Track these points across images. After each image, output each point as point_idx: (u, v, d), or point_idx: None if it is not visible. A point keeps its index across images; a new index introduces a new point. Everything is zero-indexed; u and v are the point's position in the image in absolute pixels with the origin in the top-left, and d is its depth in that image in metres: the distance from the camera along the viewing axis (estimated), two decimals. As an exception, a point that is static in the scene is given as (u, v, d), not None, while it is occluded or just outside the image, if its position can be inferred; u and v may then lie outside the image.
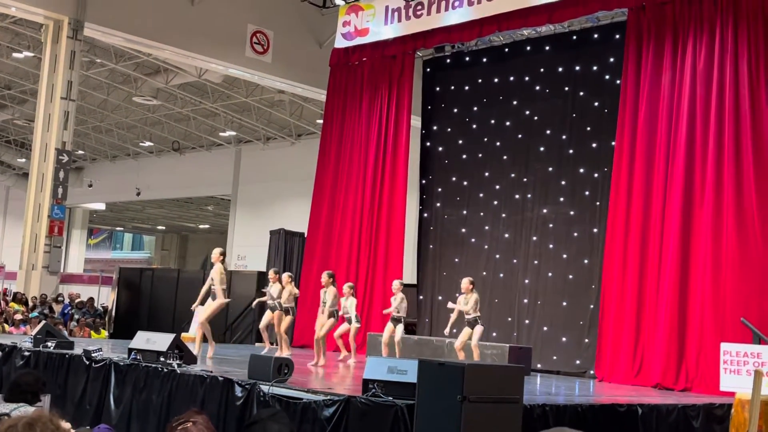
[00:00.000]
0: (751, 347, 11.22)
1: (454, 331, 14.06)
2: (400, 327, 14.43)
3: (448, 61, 19.35)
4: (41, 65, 20.65)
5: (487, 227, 17.96)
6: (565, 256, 16.58)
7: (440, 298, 18.42)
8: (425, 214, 19.24)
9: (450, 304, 14.04)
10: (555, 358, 16.17)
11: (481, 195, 18.18)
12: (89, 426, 8.16)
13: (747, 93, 13.14)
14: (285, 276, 14.64)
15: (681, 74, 13.97)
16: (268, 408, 8.06)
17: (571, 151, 16.82)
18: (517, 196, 17.51)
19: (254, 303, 14.98)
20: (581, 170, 16.61)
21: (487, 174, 18.14)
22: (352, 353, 14.57)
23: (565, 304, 16.38)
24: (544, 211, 17.08)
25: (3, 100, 31.12)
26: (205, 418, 3.85)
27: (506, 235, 17.58)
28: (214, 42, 21.08)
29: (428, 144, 19.47)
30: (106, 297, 27.35)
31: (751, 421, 7.64)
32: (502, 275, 17.31)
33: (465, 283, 13.67)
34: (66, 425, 6.79)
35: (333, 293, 13.76)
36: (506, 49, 18.20)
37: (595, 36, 16.89)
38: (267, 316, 14.52)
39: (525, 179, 17.44)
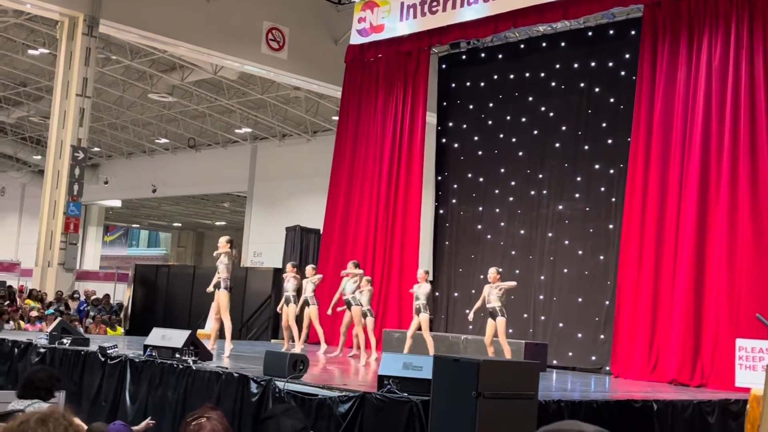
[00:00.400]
0: (767, 343, 11.18)
1: (470, 319, 14.02)
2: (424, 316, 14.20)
3: (464, 57, 19.33)
4: (56, 62, 20.70)
5: (502, 224, 17.94)
6: (580, 252, 16.55)
7: (456, 294, 18.42)
8: (441, 211, 19.22)
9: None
10: (570, 354, 16.14)
11: (497, 191, 18.16)
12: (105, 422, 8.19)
13: (762, 89, 13.08)
14: (309, 268, 14.91)
15: (696, 70, 13.90)
16: (282, 404, 8.06)
17: (586, 147, 16.78)
18: (532, 193, 17.48)
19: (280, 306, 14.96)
20: (596, 166, 16.56)
21: (502, 170, 18.11)
22: (372, 348, 14.51)
23: (580, 300, 16.35)
24: (560, 207, 17.04)
25: (19, 97, 31.26)
26: (220, 413, 3.86)
27: (522, 232, 17.56)
28: (230, 38, 21.10)
29: (444, 140, 19.45)
30: (121, 294, 27.45)
31: (763, 416, 7.59)
32: (517, 271, 17.28)
33: (492, 272, 13.58)
34: (80, 423, 6.82)
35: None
36: (522, 46, 18.16)
37: (611, 32, 16.84)
38: (291, 310, 14.54)
39: (540, 175, 17.41)
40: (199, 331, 16.73)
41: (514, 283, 13.64)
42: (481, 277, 17.76)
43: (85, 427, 2.61)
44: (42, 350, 12.32)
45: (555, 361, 15.76)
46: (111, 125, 33.61)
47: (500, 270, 13.82)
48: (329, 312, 14.52)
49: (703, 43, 13.91)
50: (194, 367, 10.12)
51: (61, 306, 20.22)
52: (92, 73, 20.18)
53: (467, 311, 17.50)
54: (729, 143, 13.26)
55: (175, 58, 24.67)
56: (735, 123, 13.28)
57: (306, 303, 14.64)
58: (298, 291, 14.59)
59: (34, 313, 19.49)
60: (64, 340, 12.23)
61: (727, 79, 13.50)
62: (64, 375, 10.86)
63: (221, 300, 13.15)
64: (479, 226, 18.39)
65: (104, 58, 24.86)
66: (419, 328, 14.14)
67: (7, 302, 20.70)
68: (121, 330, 21.71)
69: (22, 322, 19.09)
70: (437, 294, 18.67)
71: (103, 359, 11.30)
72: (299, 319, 14.71)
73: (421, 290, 14.16)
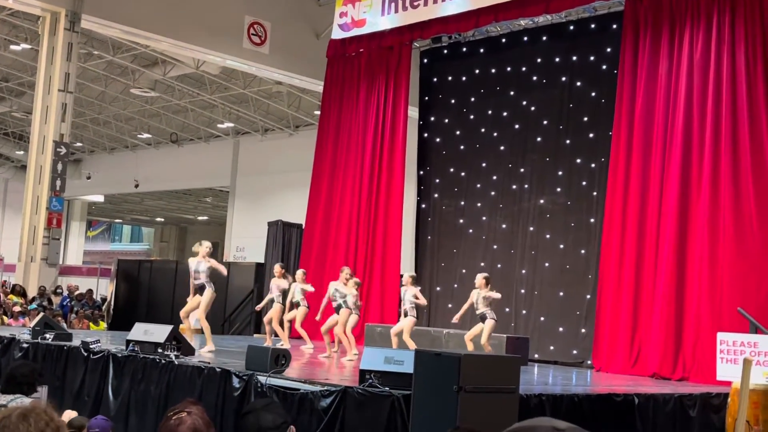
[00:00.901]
0: (748, 337, 11.26)
1: (456, 322, 14.05)
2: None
3: (445, 51, 19.36)
4: (38, 57, 20.61)
5: (484, 218, 18.00)
6: (561, 246, 16.62)
7: (438, 288, 18.47)
8: (423, 205, 19.26)
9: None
10: (552, 348, 16.22)
11: (479, 186, 18.21)
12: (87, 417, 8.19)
13: (744, 83, 13.14)
14: (300, 273, 14.86)
15: (678, 64, 13.97)
16: (263, 398, 8.08)
17: (567, 142, 16.85)
18: (514, 187, 17.54)
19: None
20: (578, 160, 16.64)
21: (484, 164, 18.16)
22: (352, 344, 14.51)
23: (561, 294, 16.43)
24: (541, 201, 17.11)
25: (1, 93, 31.09)
26: (201, 408, 3.88)
27: (503, 226, 17.62)
28: (212, 33, 21.04)
29: (425, 135, 19.48)
30: (104, 289, 27.37)
31: (740, 408, 7.68)
32: (499, 266, 17.35)
33: (479, 279, 13.63)
34: (72, 414, 6.83)
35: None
36: (503, 40, 18.21)
37: (592, 26, 16.90)
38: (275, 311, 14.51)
39: (522, 170, 17.46)
40: (182, 326, 16.68)
41: (498, 296, 13.68)
42: (464, 271, 17.86)
43: (66, 422, 2.63)
44: (25, 345, 12.29)
45: (536, 355, 15.83)
46: (93, 120, 33.47)
47: (487, 276, 13.85)
48: (318, 317, 14.36)
49: (685, 37, 13.97)
50: (176, 362, 10.12)
51: (44, 301, 20.16)
52: (74, 69, 20.10)
53: (449, 305, 17.62)
54: (710, 137, 13.33)
55: (157, 53, 24.58)
56: (716, 117, 13.34)
57: (296, 305, 14.58)
58: (284, 292, 14.53)
59: (17, 309, 19.43)
60: (47, 336, 12.21)
61: (708, 73, 13.56)
62: (47, 370, 10.85)
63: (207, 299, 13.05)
64: (461, 221, 18.44)
65: (86, 53, 24.74)
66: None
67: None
68: (104, 325, 21.66)
69: (5, 318, 19.03)
70: (419, 289, 18.69)
71: (85, 354, 11.29)
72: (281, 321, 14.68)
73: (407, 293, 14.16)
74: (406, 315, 13.99)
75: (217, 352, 12.40)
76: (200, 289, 12.99)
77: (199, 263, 13.03)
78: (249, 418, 3.57)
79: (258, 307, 14.92)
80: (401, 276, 15.07)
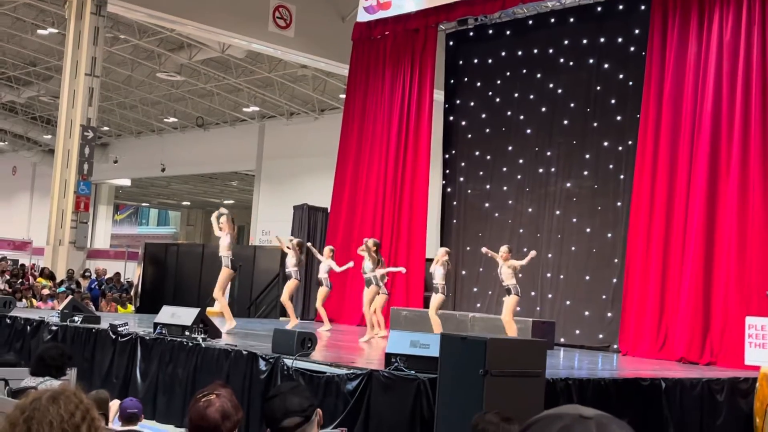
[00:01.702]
0: (777, 321, 11.18)
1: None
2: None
3: (471, 34, 19.23)
4: (65, 42, 20.69)
5: (510, 201, 17.92)
6: (588, 229, 16.53)
7: (464, 272, 18.43)
8: (448, 189, 19.21)
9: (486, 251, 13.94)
10: (578, 332, 16.16)
11: (505, 169, 18.13)
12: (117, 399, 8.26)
13: (774, 65, 12.99)
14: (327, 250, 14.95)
15: (707, 46, 13.81)
16: (289, 381, 8.12)
17: (595, 124, 16.72)
18: (540, 170, 17.44)
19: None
20: (605, 143, 16.51)
21: (510, 148, 18.07)
22: (381, 325, 14.53)
23: (588, 278, 16.35)
24: (568, 184, 17.01)
25: (28, 77, 31.28)
26: (230, 391, 3.90)
27: (530, 209, 17.54)
28: (237, 17, 21.03)
29: (451, 118, 19.40)
30: (132, 272, 27.56)
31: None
32: (525, 249, 17.21)
33: (502, 250, 13.58)
34: (105, 394, 6.89)
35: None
36: (530, 22, 18.06)
37: (620, 7, 16.73)
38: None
39: (548, 153, 17.36)
40: (209, 309, 16.80)
41: (521, 263, 13.54)
42: (489, 255, 17.78)
43: (93, 405, 2.64)
44: (54, 328, 12.41)
45: (562, 339, 15.79)
46: (120, 104, 33.63)
47: (510, 247, 13.83)
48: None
49: (714, 19, 13.80)
50: (204, 345, 10.19)
51: (72, 284, 20.33)
52: (101, 53, 20.18)
53: (475, 289, 17.61)
54: (740, 120, 13.19)
55: (183, 37, 24.63)
56: (746, 99, 13.19)
57: (319, 283, 14.71)
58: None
59: (45, 292, 19.61)
60: (76, 318, 12.32)
61: (738, 54, 13.41)
62: (76, 352, 10.95)
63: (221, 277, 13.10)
64: (487, 204, 18.38)
65: (112, 37, 24.83)
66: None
67: (20, 281, 20.83)
68: (131, 308, 21.83)
69: (34, 300, 19.21)
70: (449, 267, 18.66)
71: (113, 337, 11.38)
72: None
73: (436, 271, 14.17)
74: (436, 291, 14.01)
75: (243, 335, 12.46)
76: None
77: (220, 237, 13.11)
78: (275, 401, 3.58)
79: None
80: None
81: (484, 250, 14.14)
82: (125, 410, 7.44)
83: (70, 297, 14.89)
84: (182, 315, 10.99)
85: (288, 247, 14.83)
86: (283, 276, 15.92)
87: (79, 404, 2.55)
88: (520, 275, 13.75)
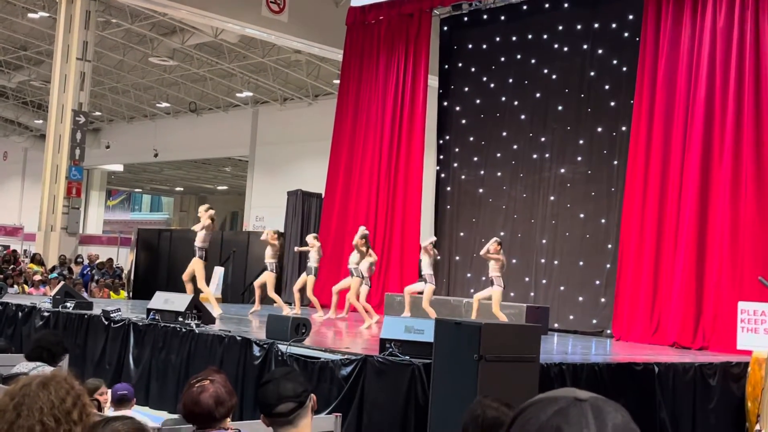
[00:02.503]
0: (769, 306, 11.20)
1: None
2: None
3: (466, 19, 19.16)
4: (56, 26, 20.60)
5: (504, 187, 17.91)
6: (582, 215, 16.54)
7: (458, 258, 18.44)
8: (442, 174, 19.18)
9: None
10: (572, 317, 16.19)
11: (499, 155, 18.11)
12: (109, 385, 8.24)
13: (767, 50, 12.99)
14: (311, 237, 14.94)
15: (701, 31, 13.80)
16: (283, 367, 8.11)
17: (589, 110, 16.70)
18: (534, 156, 17.43)
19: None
20: (599, 129, 16.50)
21: (504, 133, 18.04)
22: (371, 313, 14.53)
23: (581, 263, 16.37)
24: (562, 170, 17.00)
25: (19, 61, 31.14)
26: (224, 376, 3.89)
27: (524, 195, 17.54)
28: (230, 1, 20.95)
29: (445, 104, 19.36)
30: (124, 258, 27.52)
31: (767, 376, 7.63)
32: (519, 235, 17.28)
33: (492, 244, 13.60)
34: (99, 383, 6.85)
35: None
36: (524, 7, 17.99)
37: (615, -8, 16.68)
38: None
39: (543, 138, 17.34)
40: (201, 295, 16.78)
41: (499, 257, 13.59)
42: (483, 240, 17.72)
43: (85, 391, 2.62)
44: (46, 314, 12.37)
45: (556, 325, 15.81)
46: (112, 89, 33.51)
47: (499, 241, 13.84)
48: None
49: (708, 4, 13.79)
50: (197, 331, 10.17)
51: (64, 270, 20.30)
52: (92, 37, 20.10)
53: (468, 275, 17.61)
54: (733, 106, 13.19)
55: (176, 21, 24.52)
56: (739, 85, 13.20)
57: (309, 271, 14.69)
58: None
59: (37, 277, 19.58)
60: (68, 304, 12.28)
61: (731, 40, 13.40)
62: (68, 338, 10.91)
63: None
64: (481, 190, 18.36)
65: (104, 21, 24.70)
66: (421, 293, 14.27)
67: (11, 266, 20.78)
68: (124, 294, 21.80)
69: (26, 286, 19.17)
70: (438, 258, 18.67)
71: (106, 323, 11.35)
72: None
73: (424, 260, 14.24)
74: (425, 282, 14.03)
75: (237, 321, 12.45)
76: None
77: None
78: (269, 386, 3.56)
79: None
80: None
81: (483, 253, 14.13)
82: (116, 392, 7.46)
83: (62, 283, 14.85)
84: (175, 301, 10.97)
85: (266, 239, 14.85)
86: (278, 262, 15.88)
87: (70, 390, 2.53)
88: (514, 260, 13.79)
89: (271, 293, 14.59)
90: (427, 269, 14.11)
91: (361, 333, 12.74)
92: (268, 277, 14.56)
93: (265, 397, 3.55)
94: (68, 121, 19.38)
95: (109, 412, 7.29)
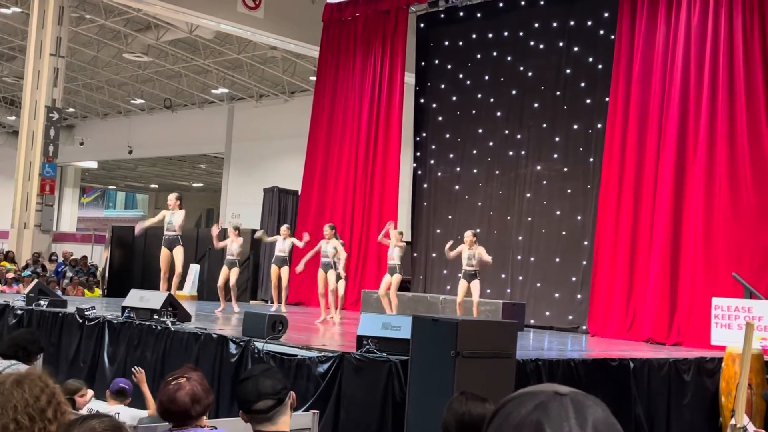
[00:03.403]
0: (742, 302, 11.30)
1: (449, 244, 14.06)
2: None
3: (442, 16, 19.17)
4: (29, 21, 20.40)
5: (480, 184, 17.94)
6: (558, 212, 16.60)
7: (434, 255, 18.45)
8: (419, 171, 19.19)
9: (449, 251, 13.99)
10: (548, 313, 16.25)
11: (475, 152, 18.14)
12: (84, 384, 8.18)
13: (741, 48, 13.10)
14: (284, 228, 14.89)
15: (675, 29, 13.90)
16: (261, 364, 8.08)
17: (565, 107, 16.76)
18: (510, 153, 17.47)
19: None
20: (575, 126, 16.56)
21: (480, 131, 18.08)
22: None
23: (558, 260, 16.44)
24: (538, 167, 17.05)
25: (-8, 58, 30.85)
26: (200, 374, 3.86)
27: (500, 192, 17.58)
28: (205, -3, 20.83)
29: (422, 101, 19.36)
30: (99, 256, 27.32)
31: (742, 372, 7.69)
32: (495, 232, 17.32)
33: (467, 235, 13.65)
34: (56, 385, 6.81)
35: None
36: (500, 4, 18.03)
37: (590, -10, 16.75)
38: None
39: (519, 136, 17.39)
40: (178, 293, 16.69)
41: (489, 260, 13.65)
42: (459, 237, 17.79)
43: (59, 388, 2.59)
44: (19, 312, 12.26)
45: (532, 321, 15.87)
46: (86, 85, 33.24)
47: (476, 232, 13.90)
48: (299, 269, 14.23)
49: (683, 2, 13.89)
50: (173, 328, 10.11)
51: (38, 268, 20.13)
52: (66, 33, 19.93)
53: (445, 271, 17.63)
54: (707, 103, 13.30)
55: (150, 17, 24.35)
56: (713, 82, 13.30)
57: (284, 262, 14.65)
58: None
59: (10, 275, 19.40)
60: (42, 302, 12.18)
61: (706, 37, 13.50)
62: (42, 337, 10.82)
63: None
64: (457, 187, 18.39)
65: (78, 17, 24.49)
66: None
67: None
68: (98, 292, 21.66)
69: (-2, 284, 19.00)
70: (415, 255, 18.70)
71: (81, 321, 11.27)
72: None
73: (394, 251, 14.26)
74: (394, 272, 14.08)
75: (213, 318, 12.39)
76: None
77: (173, 214, 13.10)
78: (248, 384, 3.54)
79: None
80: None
81: (449, 253, 14.12)
82: (117, 384, 7.43)
83: (36, 281, 14.73)
84: (151, 298, 10.91)
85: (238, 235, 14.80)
86: (255, 260, 15.83)
87: (45, 388, 2.50)
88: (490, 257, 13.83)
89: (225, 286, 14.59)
90: (398, 260, 14.16)
91: (337, 330, 12.74)
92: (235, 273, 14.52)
93: (244, 394, 3.53)
94: (41, 117, 19.21)
95: (103, 405, 7.28)
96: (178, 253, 13.14)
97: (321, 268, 13.70)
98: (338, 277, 13.75)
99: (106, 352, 10.81)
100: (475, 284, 13.46)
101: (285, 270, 14.69)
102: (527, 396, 1.39)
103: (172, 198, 13.55)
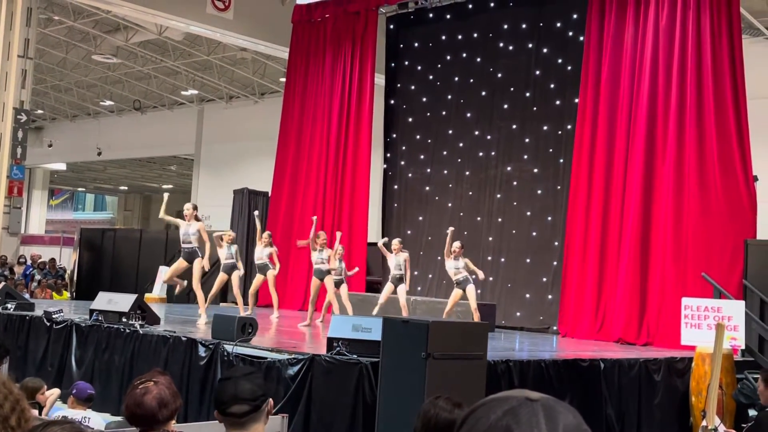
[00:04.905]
0: (712, 302, 11.39)
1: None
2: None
3: (412, 17, 19.18)
4: (-4, 22, 20.16)
5: (450, 185, 17.96)
6: (528, 213, 16.65)
7: (405, 256, 18.41)
8: (389, 172, 19.18)
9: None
10: (519, 314, 16.29)
11: (445, 153, 18.15)
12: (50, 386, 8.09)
13: (709, 48, 13.21)
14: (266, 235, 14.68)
15: (644, 30, 13.99)
16: (245, 366, 8.03)
17: (534, 109, 16.82)
18: (480, 154, 17.50)
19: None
20: (545, 127, 16.62)
21: (450, 132, 18.10)
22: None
23: (528, 261, 16.48)
24: (508, 168, 17.10)
25: (-42, 59, 30.47)
26: (168, 378, 3.81)
27: (470, 193, 17.60)
28: (174, -2, 20.68)
29: (392, 102, 19.36)
30: (67, 258, 27.06)
31: (713, 373, 7.74)
32: (466, 233, 17.31)
33: (456, 246, 13.47)
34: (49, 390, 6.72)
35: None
36: (470, 6, 18.06)
37: (559, -8, 16.82)
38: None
39: (489, 137, 17.42)
40: (147, 295, 16.57)
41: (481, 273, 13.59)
42: (429, 239, 17.84)
43: (23, 395, 2.54)
44: (-15, 316, 12.11)
45: (503, 322, 15.89)
46: (54, 87, 32.93)
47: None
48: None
49: (650, 3, 13.98)
50: (141, 331, 10.03)
51: (5, 271, 19.89)
52: (34, 34, 19.71)
53: (416, 272, 17.62)
54: (675, 103, 13.39)
55: (119, 19, 24.16)
56: (681, 83, 13.40)
57: (264, 268, 14.43)
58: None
59: (-23, 279, 19.16)
60: (8, 305, 12.03)
61: (674, 39, 13.60)
62: (9, 340, 10.70)
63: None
64: (427, 188, 18.40)
65: (46, 18, 24.25)
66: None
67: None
68: (67, 294, 21.44)
69: (-36, 288, 18.75)
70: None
71: (48, 324, 11.15)
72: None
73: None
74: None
75: (182, 321, 12.29)
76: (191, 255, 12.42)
77: (189, 225, 12.53)
78: (227, 384, 3.47)
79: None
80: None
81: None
82: (85, 391, 7.36)
83: (3, 284, 14.55)
84: (119, 301, 10.82)
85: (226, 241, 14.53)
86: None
87: (8, 395, 2.45)
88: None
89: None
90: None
91: (306, 332, 12.69)
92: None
93: (221, 395, 3.45)
94: (9, 119, 18.99)
95: (69, 410, 7.19)
96: (197, 264, 12.58)
97: (315, 275, 13.57)
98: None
99: (74, 355, 10.70)
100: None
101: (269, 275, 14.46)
102: (497, 401, 1.37)
103: (189, 208, 12.61)
